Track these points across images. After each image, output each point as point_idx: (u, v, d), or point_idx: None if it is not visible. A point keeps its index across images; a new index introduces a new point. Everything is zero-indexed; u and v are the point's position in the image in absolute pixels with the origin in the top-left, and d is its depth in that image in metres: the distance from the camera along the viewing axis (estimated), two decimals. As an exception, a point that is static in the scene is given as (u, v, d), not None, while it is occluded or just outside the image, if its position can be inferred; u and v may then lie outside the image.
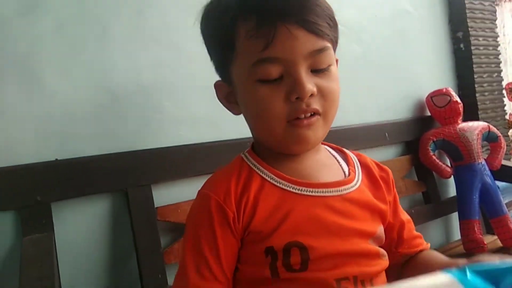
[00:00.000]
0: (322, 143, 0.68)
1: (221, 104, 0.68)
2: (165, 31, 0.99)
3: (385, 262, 0.63)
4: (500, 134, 1.49)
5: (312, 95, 0.57)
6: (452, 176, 1.46)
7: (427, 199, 1.48)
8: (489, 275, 0.45)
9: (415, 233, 0.71)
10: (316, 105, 0.58)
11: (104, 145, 0.88)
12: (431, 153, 1.42)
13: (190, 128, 1.00)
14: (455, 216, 1.47)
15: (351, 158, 0.69)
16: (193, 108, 1.01)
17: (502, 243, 1.39)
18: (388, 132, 1.41)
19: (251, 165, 0.63)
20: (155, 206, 0.91)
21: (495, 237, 1.43)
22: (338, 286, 0.56)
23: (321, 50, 0.57)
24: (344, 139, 1.10)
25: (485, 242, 1.34)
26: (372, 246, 0.62)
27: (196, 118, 1.01)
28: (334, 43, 0.62)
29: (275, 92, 0.57)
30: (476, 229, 1.35)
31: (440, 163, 1.42)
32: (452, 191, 1.54)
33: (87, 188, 0.85)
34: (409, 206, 1.45)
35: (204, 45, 0.66)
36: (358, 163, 0.68)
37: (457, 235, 1.48)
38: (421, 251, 0.70)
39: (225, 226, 0.58)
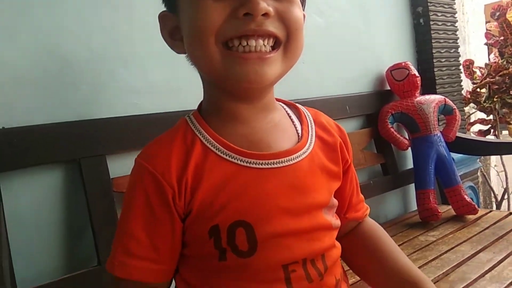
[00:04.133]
0: (276, 100, 0.63)
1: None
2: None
3: (336, 233, 0.61)
4: (455, 107, 1.54)
5: (267, 15, 0.49)
6: (409, 149, 1.50)
7: (386, 170, 1.52)
8: None
9: (360, 196, 0.70)
10: (272, 27, 0.50)
11: (55, 114, 0.84)
12: (390, 126, 1.45)
13: (147, 97, 0.97)
14: (412, 187, 1.52)
15: (305, 116, 0.63)
16: (150, 75, 0.98)
17: (455, 211, 1.45)
18: (349, 105, 1.43)
19: (195, 130, 0.56)
20: (111, 177, 0.89)
21: (449, 206, 1.49)
22: (285, 271, 0.54)
23: None
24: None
25: (440, 211, 1.40)
26: (325, 219, 0.58)
27: (154, 86, 0.98)
28: None
29: (220, 7, 0.49)
30: (431, 198, 1.40)
31: (398, 135, 1.46)
32: (410, 163, 1.58)
33: (37, 158, 0.81)
34: (368, 177, 1.48)
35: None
36: (312, 122, 0.62)
37: (414, 205, 1.53)
38: (365, 215, 0.69)
39: (162, 203, 0.53)
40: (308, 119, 0.63)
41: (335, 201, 0.62)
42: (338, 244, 0.62)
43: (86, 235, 0.87)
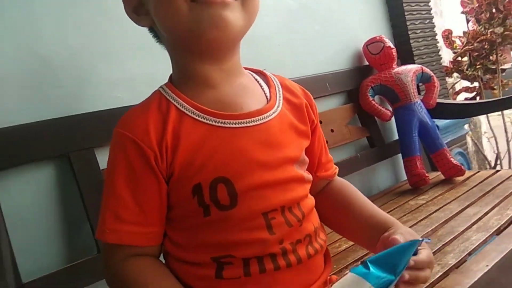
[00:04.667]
0: (245, 68, 0.67)
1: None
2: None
3: (309, 186, 0.65)
4: (433, 74, 1.58)
5: None
6: (393, 120, 1.54)
7: (372, 143, 1.56)
8: (387, 263, 0.51)
9: (329, 156, 0.74)
10: None
11: (39, 112, 0.87)
12: (371, 99, 1.49)
13: (129, 89, 1.00)
14: (401, 157, 1.55)
15: (272, 80, 0.67)
16: (129, 68, 1.01)
17: (444, 175, 1.49)
18: (329, 82, 1.46)
19: (169, 98, 0.60)
20: (101, 168, 0.92)
21: (438, 172, 1.53)
22: (265, 219, 0.58)
23: None
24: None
25: (427, 175, 1.44)
26: (298, 171, 0.62)
27: (134, 79, 1.02)
28: None
29: None
30: (418, 164, 1.44)
31: (379, 107, 1.50)
32: (396, 135, 1.62)
33: (27, 156, 0.84)
34: (355, 151, 1.52)
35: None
36: (279, 85, 0.67)
37: (404, 175, 1.57)
38: (334, 174, 0.74)
39: (146, 167, 0.56)
40: (275, 83, 0.67)
41: (306, 158, 0.67)
42: (311, 196, 0.66)
43: (83, 226, 0.90)
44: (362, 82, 1.52)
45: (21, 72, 0.87)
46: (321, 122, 1.36)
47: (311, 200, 0.65)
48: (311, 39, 1.48)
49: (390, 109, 1.54)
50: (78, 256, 0.88)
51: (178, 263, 0.60)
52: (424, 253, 0.56)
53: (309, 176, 0.66)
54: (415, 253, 0.55)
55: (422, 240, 0.56)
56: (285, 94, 0.66)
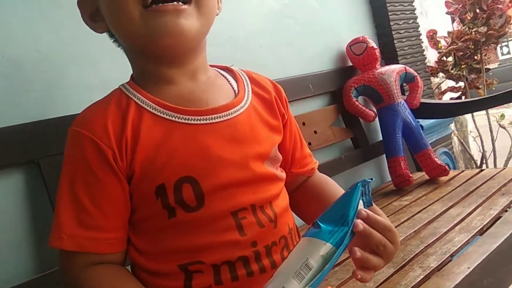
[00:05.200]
0: (210, 66, 0.65)
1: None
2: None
3: (282, 184, 0.63)
4: (416, 74, 1.57)
5: None
6: (377, 120, 1.53)
7: (356, 144, 1.55)
8: (336, 215, 0.48)
9: (306, 151, 0.71)
10: None
11: (8, 117, 0.84)
12: (354, 100, 1.48)
13: (101, 92, 0.96)
14: (385, 158, 1.54)
15: (239, 75, 0.65)
16: (103, 71, 0.99)
17: (428, 175, 1.48)
18: (312, 84, 1.45)
19: (129, 94, 0.58)
20: (73, 174, 0.89)
21: (423, 172, 1.53)
22: (235, 218, 0.55)
23: None
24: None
25: (411, 176, 1.43)
26: (269, 169, 0.60)
27: (108, 82, 0.97)
28: None
29: None
30: (402, 165, 1.43)
31: (363, 108, 1.48)
32: (380, 136, 1.61)
33: (-6, 162, 0.81)
34: (339, 152, 1.50)
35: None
36: (248, 80, 0.65)
37: (389, 176, 1.55)
38: (312, 170, 0.71)
39: (105, 167, 0.53)
40: (243, 77, 0.65)
41: (279, 155, 0.64)
42: (285, 194, 0.63)
43: (54, 234, 0.87)
44: (346, 83, 1.50)
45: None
46: (304, 123, 1.36)
47: (284, 200, 0.63)
48: (293, 40, 1.47)
49: (374, 109, 1.53)
50: (48, 265, 0.85)
51: (145, 274, 0.57)
52: (383, 216, 0.53)
53: (282, 174, 0.64)
54: (370, 204, 0.52)
55: (365, 180, 0.52)
56: (254, 88, 0.64)
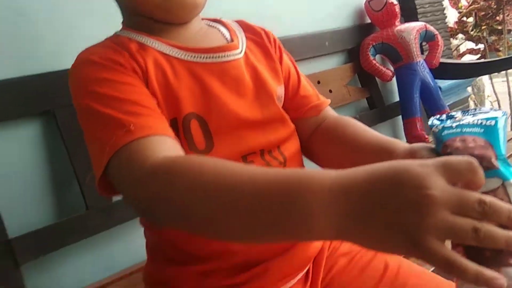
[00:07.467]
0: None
1: None
2: None
3: (290, 127, 0.61)
4: (437, 33, 1.51)
5: None
6: (394, 81, 1.49)
7: (372, 104, 1.52)
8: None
9: (310, 90, 0.67)
10: None
11: (21, 68, 0.83)
12: (372, 58, 1.44)
13: (115, 44, 0.95)
14: (400, 120, 1.52)
15: (230, 25, 0.65)
16: (115, 24, 0.96)
17: (444, 137, 1.46)
18: (328, 41, 1.41)
19: (126, 35, 0.56)
20: (88, 125, 0.89)
21: (439, 134, 1.50)
22: (245, 162, 0.54)
23: None
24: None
25: (427, 137, 1.40)
26: (276, 108, 0.59)
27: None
28: None
29: None
30: (418, 126, 1.41)
31: (380, 67, 1.45)
32: (397, 97, 1.58)
33: (9, 112, 0.81)
34: (355, 112, 1.48)
35: None
36: (240, 27, 0.65)
37: (404, 138, 1.53)
38: (315, 108, 0.65)
39: (129, 71, 0.51)
40: (234, 26, 0.65)
41: (282, 95, 0.63)
42: (296, 139, 0.62)
43: (70, 183, 0.88)
44: (363, 41, 1.46)
45: (3, 27, 0.82)
46: (319, 82, 1.34)
47: (294, 145, 0.61)
48: (308, -6, 1.42)
49: (392, 69, 1.49)
50: (66, 213, 0.87)
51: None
52: None
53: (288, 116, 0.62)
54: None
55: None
56: (247, 34, 0.64)
